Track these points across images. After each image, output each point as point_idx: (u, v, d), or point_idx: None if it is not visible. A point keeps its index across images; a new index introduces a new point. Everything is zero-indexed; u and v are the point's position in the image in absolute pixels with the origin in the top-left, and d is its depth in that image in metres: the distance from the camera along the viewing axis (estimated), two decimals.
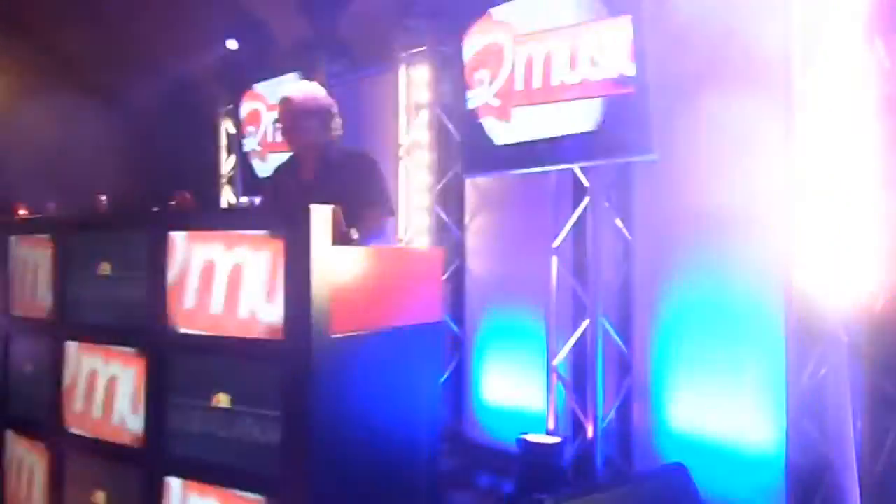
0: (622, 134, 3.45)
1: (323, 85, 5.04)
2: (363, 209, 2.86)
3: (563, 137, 3.68)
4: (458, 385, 4.82)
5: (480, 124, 4.09)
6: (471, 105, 4.13)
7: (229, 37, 6.21)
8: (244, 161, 6.27)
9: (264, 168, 5.86)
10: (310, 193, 3.13)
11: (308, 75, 5.22)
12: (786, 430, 3.06)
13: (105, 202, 3.02)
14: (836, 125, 2.96)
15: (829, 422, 3.10)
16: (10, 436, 3.37)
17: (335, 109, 3.18)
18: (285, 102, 3.12)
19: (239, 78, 6.24)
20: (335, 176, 3.10)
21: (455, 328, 4.78)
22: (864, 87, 2.87)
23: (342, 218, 2.41)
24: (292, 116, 3.09)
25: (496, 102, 3.99)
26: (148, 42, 5.70)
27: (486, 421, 4.65)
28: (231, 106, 6.43)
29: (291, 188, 3.24)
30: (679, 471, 3.18)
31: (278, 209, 3.11)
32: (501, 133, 4.00)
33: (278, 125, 3.21)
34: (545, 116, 3.75)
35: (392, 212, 3.18)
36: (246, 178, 6.27)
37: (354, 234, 2.51)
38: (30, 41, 5.50)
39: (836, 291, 3.00)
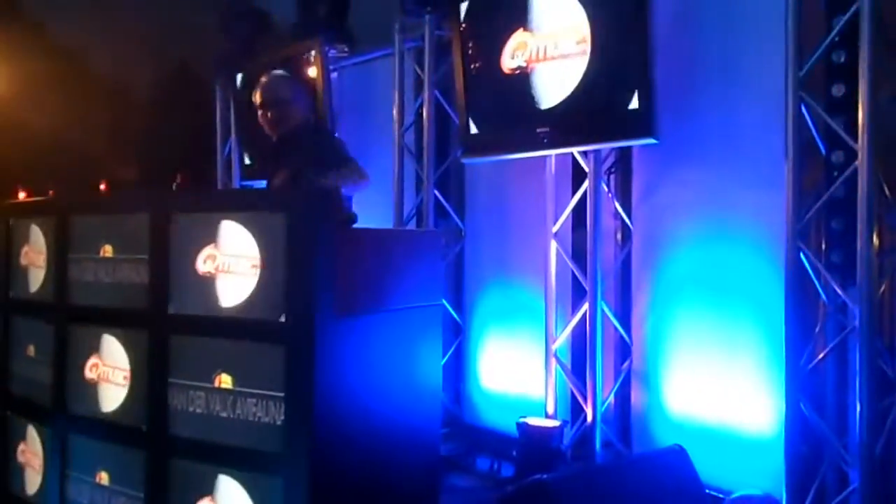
0: (623, 117, 3.44)
1: (322, 69, 5.08)
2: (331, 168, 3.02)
3: (563, 120, 3.67)
4: (458, 370, 4.83)
5: (485, 99, 4.05)
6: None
7: (227, 21, 6.17)
8: (243, 144, 6.21)
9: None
10: (276, 171, 3.31)
11: (307, 59, 5.19)
12: (785, 412, 3.07)
13: (106, 185, 3.03)
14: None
15: (828, 404, 3.12)
16: (12, 417, 3.38)
17: (303, 96, 3.42)
18: (258, 93, 3.34)
19: (236, 62, 6.19)
20: (297, 147, 3.24)
21: (454, 313, 4.79)
22: None
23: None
24: (266, 104, 3.32)
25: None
26: (146, 27, 5.68)
27: (486, 405, 4.66)
28: (228, 89, 6.37)
29: (269, 170, 3.41)
30: (678, 453, 3.19)
31: (279, 190, 3.13)
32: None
33: (260, 112, 3.37)
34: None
35: (362, 173, 3.19)
36: (245, 161, 6.21)
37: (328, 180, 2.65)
38: (30, 28, 5.48)
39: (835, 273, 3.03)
